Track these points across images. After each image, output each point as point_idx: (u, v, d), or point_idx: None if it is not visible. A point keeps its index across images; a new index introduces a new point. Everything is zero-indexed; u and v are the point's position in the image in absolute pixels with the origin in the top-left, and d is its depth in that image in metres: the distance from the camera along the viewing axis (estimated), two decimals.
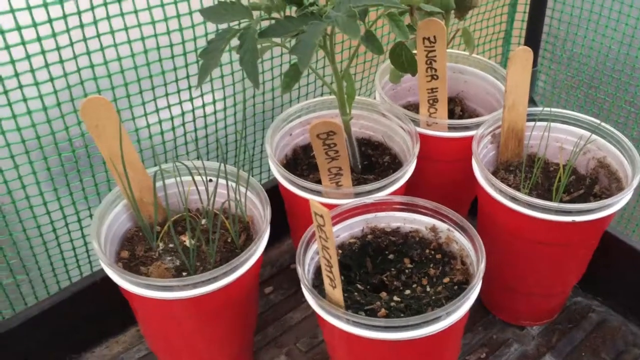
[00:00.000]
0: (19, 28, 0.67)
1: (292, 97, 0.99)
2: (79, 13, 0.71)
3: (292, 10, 0.68)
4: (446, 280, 0.66)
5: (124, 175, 0.69)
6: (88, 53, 0.75)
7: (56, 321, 0.78)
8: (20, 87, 0.71)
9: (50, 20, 0.69)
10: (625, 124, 1.16)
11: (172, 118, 0.86)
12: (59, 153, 0.77)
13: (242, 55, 0.64)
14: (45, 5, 0.69)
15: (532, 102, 1.25)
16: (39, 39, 0.69)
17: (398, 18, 0.70)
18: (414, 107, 0.95)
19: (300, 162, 0.85)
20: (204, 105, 0.88)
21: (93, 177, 0.82)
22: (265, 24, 0.66)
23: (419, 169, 0.80)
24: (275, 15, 0.69)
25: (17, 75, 0.70)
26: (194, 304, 0.64)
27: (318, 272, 0.67)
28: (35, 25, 0.68)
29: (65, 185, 0.81)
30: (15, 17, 0.67)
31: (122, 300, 0.68)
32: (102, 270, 0.68)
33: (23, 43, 0.68)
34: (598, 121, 0.80)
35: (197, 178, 0.73)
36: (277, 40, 0.71)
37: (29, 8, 0.67)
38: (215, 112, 0.90)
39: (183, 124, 0.87)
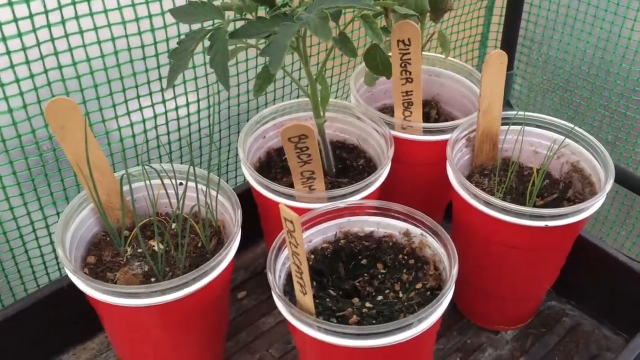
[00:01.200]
0: None
1: (267, 99, 0.98)
2: (46, 12, 0.69)
3: (265, 11, 0.67)
4: (419, 286, 0.65)
5: (90, 178, 0.67)
6: (56, 54, 0.73)
7: (22, 328, 0.76)
8: None
9: (15, 20, 0.67)
10: (599, 128, 1.16)
11: (144, 121, 0.84)
12: (25, 157, 0.75)
13: (212, 56, 0.63)
14: (11, 4, 0.67)
15: (508, 105, 1.26)
16: (4, 38, 0.67)
17: (372, 20, 0.70)
18: (390, 110, 0.94)
19: (274, 165, 0.84)
20: (177, 108, 0.86)
21: (62, 181, 0.80)
22: (238, 25, 0.65)
23: (394, 172, 0.80)
24: (247, 15, 0.68)
25: None
26: (162, 311, 0.63)
27: (289, 277, 0.66)
28: None
29: (33, 189, 0.78)
30: None
31: (90, 306, 0.66)
32: (68, 275, 0.66)
33: None
34: (571, 125, 0.80)
35: (167, 181, 0.72)
36: (251, 41, 0.70)
37: None
38: (188, 115, 0.88)
39: (155, 127, 0.85)
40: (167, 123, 0.87)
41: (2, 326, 0.73)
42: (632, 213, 1.19)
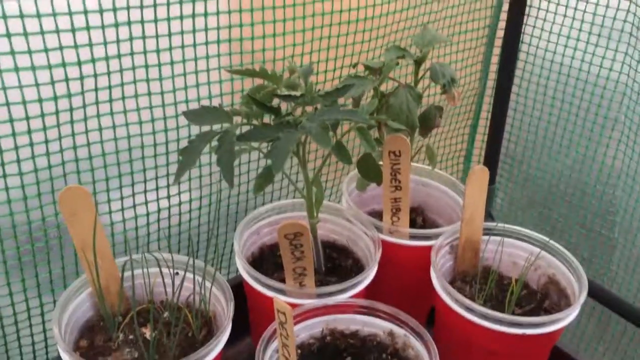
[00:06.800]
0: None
1: (265, 199, 1.03)
2: (71, 110, 0.75)
3: (270, 118, 0.73)
4: None
5: (94, 263, 0.70)
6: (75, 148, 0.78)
7: None
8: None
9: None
10: (576, 244, 1.22)
11: (147, 214, 0.88)
12: (32, 243, 0.78)
13: (220, 156, 0.68)
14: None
15: (490, 217, 1.32)
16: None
17: (366, 132, 0.76)
18: (377, 215, 0.99)
19: (266, 261, 0.88)
20: (180, 204, 0.91)
21: (63, 269, 0.82)
22: (244, 129, 0.71)
23: (381, 272, 0.83)
24: (253, 121, 0.74)
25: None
26: None
27: None
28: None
29: (35, 276, 0.81)
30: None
31: None
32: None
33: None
34: (547, 239, 0.85)
35: (165, 270, 0.75)
36: (255, 144, 0.76)
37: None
38: (190, 210, 0.93)
39: (158, 220, 0.90)
40: (169, 217, 0.91)
41: None
42: (609, 329, 1.22)
